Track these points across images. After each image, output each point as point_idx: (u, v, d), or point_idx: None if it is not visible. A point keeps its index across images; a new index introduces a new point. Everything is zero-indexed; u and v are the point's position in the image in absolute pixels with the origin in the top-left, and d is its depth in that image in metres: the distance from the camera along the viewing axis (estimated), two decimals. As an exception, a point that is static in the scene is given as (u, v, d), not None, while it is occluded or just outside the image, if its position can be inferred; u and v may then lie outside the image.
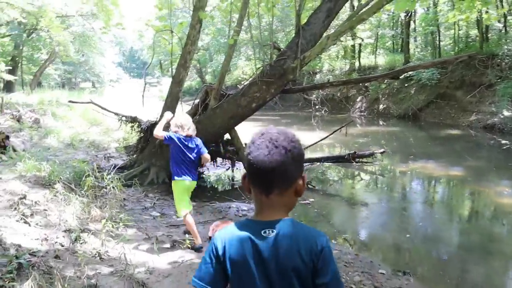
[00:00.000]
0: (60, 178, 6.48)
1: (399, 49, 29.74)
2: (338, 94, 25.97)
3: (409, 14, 24.20)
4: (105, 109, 9.35)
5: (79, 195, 5.90)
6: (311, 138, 17.11)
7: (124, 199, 7.16)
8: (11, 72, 28.58)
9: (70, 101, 9.42)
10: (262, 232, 1.43)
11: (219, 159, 9.72)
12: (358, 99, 25.36)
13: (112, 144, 10.72)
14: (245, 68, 31.77)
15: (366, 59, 28.77)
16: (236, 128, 8.69)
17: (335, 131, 9.30)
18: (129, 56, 52.50)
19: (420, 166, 10.80)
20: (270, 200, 1.45)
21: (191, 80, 42.89)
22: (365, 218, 7.19)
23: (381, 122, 21.92)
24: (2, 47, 26.46)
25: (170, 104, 9.02)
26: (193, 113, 8.68)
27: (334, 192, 8.86)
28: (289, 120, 23.38)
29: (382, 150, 10.22)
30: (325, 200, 8.23)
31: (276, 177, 1.43)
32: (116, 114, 8.83)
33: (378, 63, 27.06)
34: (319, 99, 25.62)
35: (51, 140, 10.28)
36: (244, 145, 9.13)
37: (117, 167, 8.77)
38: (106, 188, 6.28)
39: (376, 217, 7.21)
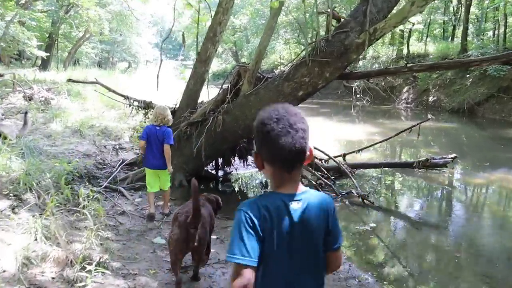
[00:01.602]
0: (33, 185, 4.52)
1: (450, 37, 26.60)
2: (383, 83, 23.23)
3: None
4: (112, 90, 7.39)
5: (49, 214, 3.91)
6: (353, 131, 14.78)
7: (124, 212, 5.17)
8: (48, 49, 27.31)
9: (69, 80, 7.56)
10: (291, 203, 1.49)
11: (250, 157, 7.58)
12: (404, 90, 22.58)
13: (126, 132, 8.77)
14: (282, 52, 29.31)
15: (414, 47, 25.79)
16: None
17: (405, 130, 6.96)
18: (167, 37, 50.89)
19: (501, 177, 8.28)
20: (292, 175, 1.52)
21: (227, 63, 40.71)
22: (441, 251, 4.91)
23: (429, 116, 19.11)
24: (38, 23, 25.00)
25: (193, 87, 6.92)
26: (220, 100, 6.55)
27: (396, 209, 6.58)
28: (327, 110, 20.94)
29: (453, 155, 7.77)
30: (387, 223, 5.97)
31: (299, 157, 1.49)
32: (127, 97, 6.87)
33: (429, 50, 24.08)
34: (360, 88, 23.04)
35: (56, 125, 8.41)
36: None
37: (124, 163, 6.79)
38: (83, 210, 4.24)
39: (453, 247, 4.93)
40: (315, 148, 7.38)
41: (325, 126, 14.72)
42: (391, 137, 7.60)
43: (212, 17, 6.76)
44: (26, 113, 7.56)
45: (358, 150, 7.54)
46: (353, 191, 6.58)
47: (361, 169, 7.83)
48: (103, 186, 6.03)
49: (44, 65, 25.65)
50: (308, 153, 1.52)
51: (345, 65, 5.63)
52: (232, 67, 6.79)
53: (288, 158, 1.47)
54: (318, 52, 5.53)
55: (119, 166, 6.65)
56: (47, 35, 27.29)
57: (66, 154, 6.69)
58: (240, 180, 7.65)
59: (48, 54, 23.11)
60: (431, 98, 20.88)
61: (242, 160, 7.60)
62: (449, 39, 26.06)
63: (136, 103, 6.91)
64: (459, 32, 26.80)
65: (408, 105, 21.66)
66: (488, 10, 22.36)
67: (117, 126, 8.89)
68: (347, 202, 6.44)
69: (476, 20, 25.30)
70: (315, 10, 5.48)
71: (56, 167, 5.24)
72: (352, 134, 13.05)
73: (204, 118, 6.51)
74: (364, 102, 22.53)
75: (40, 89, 10.90)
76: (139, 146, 5.47)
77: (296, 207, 1.49)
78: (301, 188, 1.55)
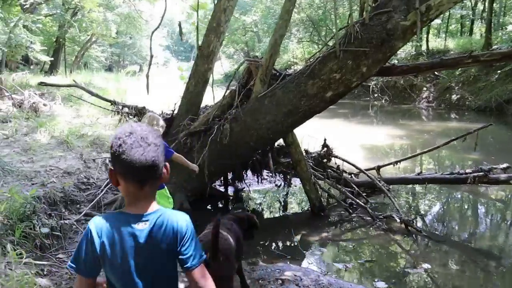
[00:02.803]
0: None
1: (467, 32, 24.96)
2: (402, 81, 21.67)
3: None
4: (95, 95, 6.08)
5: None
6: (376, 135, 13.18)
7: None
8: (55, 53, 26.34)
9: (41, 83, 6.35)
10: (137, 224, 1.46)
11: (265, 172, 6.22)
12: (425, 88, 20.96)
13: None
14: (296, 52, 27.83)
15: (432, 43, 24.17)
16: (296, 130, 5.17)
17: (460, 137, 5.48)
18: (177, 39, 49.62)
19: None
20: (144, 192, 1.48)
21: (239, 64, 39.21)
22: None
23: (453, 116, 17.55)
24: (44, 27, 24.00)
25: (194, 89, 5.59)
26: (226, 105, 5.21)
27: (451, 238, 5.13)
28: (345, 110, 19.41)
29: (504, 165, 6.25)
30: (444, 260, 4.52)
31: (151, 172, 1.46)
32: (114, 103, 5.56)
33: (449, 46, 22.45)
34: (378, 86, 21.54)
35: (41, 136, 7.15)
36: (305, 155, 5.57)
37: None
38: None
39: None
40: (343, 160, 5.98)
41: (344, 129, 13.29)
42: (439, 146, 6.13)
43: (215, 2, 5.43)
44: None
45: (396, 162, 6.12)
46: (393, 214, 5.18)
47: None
48: (82, 214, 4.75)
49: (52, 69, 24.68)
50: (163, 170, 1.53)
51: (387, 57, 4.23)
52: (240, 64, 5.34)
53: (138, 172, 1.45)
54: (352, 40, 4.14)
55: (105, 186, 5.35)
56: (54, 39, 26.35)
57: (41, 173, 5.41)
58: (254, 198, 6.29)
59: (52, 58, 22.07)
60: (454, 96, 19.22)
61: (256, 175, 6.24)
62: (466, 34, 24.49)
63: (126, 110, 5.62)
64: (477, 27, 25.28)
65: (430, 104, 20.04)
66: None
67: (111, 135, 7.59)
68: (385, 228, 5.04)
69: (494, 14, 23.65)
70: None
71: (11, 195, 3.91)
72: (375, 138, 11.57)
73: (208, 127, 5.17)
74: (383, 101, 21.02)
75: (31, 94, 9.67)
76: None
77: (141, 227, 1.47)
78: (153, 207, 1.52)
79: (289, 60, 27.19)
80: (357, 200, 5.45)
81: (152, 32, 6.16)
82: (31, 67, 26.66)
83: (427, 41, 22.96)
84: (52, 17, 24.99)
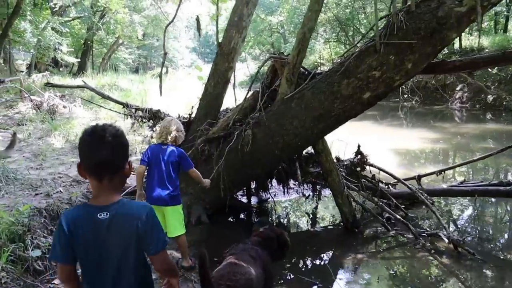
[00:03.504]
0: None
1: (501, 29, 23.55)
2: (433, 81, 20.56)
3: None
4: (107, 97, 5.59)
5: None
6: (409, 138, 12.27)
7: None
8: (84, 55, 26.47)
9: (47, 84, 5.94)
10: (98, 215, 1.57)
11: (292, 181, 5.57)
12: (458, 88, 19.78)
13: (139, 146, 6.97)
14: (322, 52, 26.96)
15: (465, 41, 22.90)
16: (327, 137, 4.51)
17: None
18: (204, 41, 49.39)
19: None
20: (104, 185, 1.59)
21: (265, 65, 38.54)
22: None
23: (489, 117, 16.40)
24: (73, 29, 24.11)
25: (214, 91, 5.00)
26: (249, 108, 4.61)
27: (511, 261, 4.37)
28: (373, 112, 18.46)
29: None
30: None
31: (106, 167, 1.58)
32: (126, 105, 5.05)
33: (483, 44, 21.18)
34: (408, 87, 20.44)
35: (55, 139, 6.74)
36: (336, 163, 4.90)
37: (125, 191, 4.96)
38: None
39: None
40: (379, 168, 5.28)
41: (374, 132, 12.49)
42: (496, 153, 5.34)
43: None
44: (14, 134, 6.00)
45: (440, 171, 5.37)
46: (440, 232, 4.45)
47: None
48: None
49: (80, 71, 24.78)
50: (124, 167, 1.63)
51: (437, 50, 3.53)
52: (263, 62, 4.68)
53: (95, 168, 1.58)
54: (395, 31, 3.46)
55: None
56: (82, 42, 26.49)
57: (48, 181, 4.94)
58: (280, 210, 5.66)
59: (79, 60, 22.08)
60: (490, 97, 18.05)
61: (281, 185, 5.61)
62: (500, 32, 23.11)
63: (140, 113, 5.10)
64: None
65: (463, 105, 18.89)
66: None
67: (128, 139, 7.12)
68: (429, 248, 4.32)
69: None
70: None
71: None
72: (407, 141, 10.75)
73: (227, 133, 4.59)
74: (413, 102, 19.97)
75: (51, 96, 9.34)
76: (136, 173, 3.61)
77: (103, 217, 1.56)
78: (114, 199, 1.61)
79: (316, 61, 26.36)
80: (397, 215, 4.75)
81: (166, 27, 5.64)
82: (60, 69, 26.87)
83: (460, 39, 21.73)
84: (81, 19, 25.10)
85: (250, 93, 4.71)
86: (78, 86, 6.72)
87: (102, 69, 25.22)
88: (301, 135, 4.08)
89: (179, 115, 5.30)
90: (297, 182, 5.16)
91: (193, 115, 5.14)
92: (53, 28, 19.90)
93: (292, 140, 4.12)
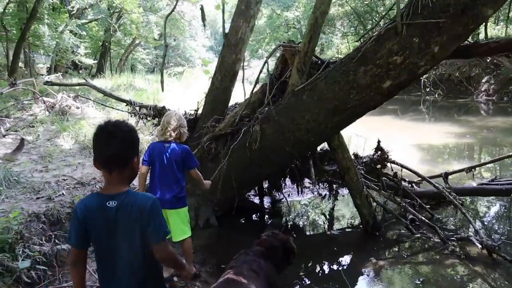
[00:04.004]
0: None
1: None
2: (457, 74, 19.77)
3: None
4: (108, 94, 5.29)
5: None
6: (432, 133, 11.49)
7: None
8: (102, 57, 26.55)
9: (47, 83, 5.70)
10: (107, 203, 1.66)
11: (307, 180, 5.16)
12: (484, 80, 18.90)
13: (146, 145, 6.68)
14: (340, 47, 26.28)
15: (492, 31, 21.95)
16: (343, 132, 4.10)
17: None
18: (220, 39, 49.28)
19: None
20: (113, 177, 1.69)
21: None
22: None
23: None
24: (90, 31, 24.17)
25: (221, 85, 4.65)
26: (257, 102, 4.23)
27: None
28: (394, 106, 17.84)
29: None
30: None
31: (115, 161, 1.68)
32: (130, 103, 4.73)
33: (510, 33, 20.23)
34: (431, 80, 19.74)
35: (63, 140, 6.52)
36: (354, 160, 4.49)
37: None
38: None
39: None
40: (402, 166, 4.83)
41: (395, 127, 11.94)
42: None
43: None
44: (22, 139, 5.81)
45: (469, 169, 4.88)
46: (471, 237, 3.99)
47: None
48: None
49: (99, 72, 24.87)
50: (133, 160, 1.72)
51: (469, 30, 3.07)
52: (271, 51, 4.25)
53: (105, 161, 1.68)
54: (419, 10, 3.02)
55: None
56: (100, 43, 26.58)
57: (51, 184, 4.68)
58: (294, 210, 5.26)
59: (95, 61, 22.12)
60: (518, 88, 17.17)
61: (295, 184, 5.21)
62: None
63: (144, 110, 4.78)
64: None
65: (490, 98, 18.00)
66: None
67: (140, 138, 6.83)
68: (459, 254, 3.86)
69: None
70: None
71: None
72: (431, 136, 10.16)
73: (235, 129, 4.22)
74: (436, 96, 19.23)
75: (64, 97, 9.17)
76: (139, 174, 3.21)
77: (111, 205, 1.66)
78: (123, 189, 1.70)
79: (334, 55, 25.72)
80: (422, 217, 4.30)
81: (166, 17, 5.29)
82: (80, 71, 27.03)
83: (486, 28, 20.80)
84: (98, 21, 25.16)
85: (258, 86, 4.33)
86: (78, 84, 6.47)
87: (119, 69, 25.23)
88: (314, 130, 3.68)
89: (185, 111, 4.96)
90: (312, 181, 4.74)
91: (200, 112, 4.79)
92: (71, 31, 19.96)
93: (304, 136, 3.72)
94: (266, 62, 4.01)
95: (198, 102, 4.74)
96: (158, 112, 4.80)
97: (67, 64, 23.98)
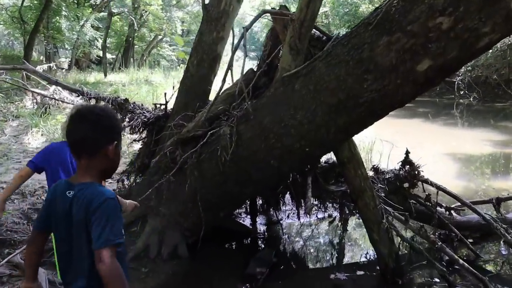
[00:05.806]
0: None
1: None
2: (495, 76, 17.96)
3: None
4: (55, 82, 4.19)
5: None
6: (468, 140, 9.79)
7: None
8: (125, 52, 26.08)
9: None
10: (67, 192, 1.49)
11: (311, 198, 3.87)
12: (525, 83, 17.03)
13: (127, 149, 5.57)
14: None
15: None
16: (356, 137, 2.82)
17: None
18: (249, 37, 48.12)
19: None
20: (81, 164, 1.50)
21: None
22: None
23: None
24: (113, 25, 23.63)
25: (196, 71, 3.45)
26: (236, 94, 3.00)
27: None
28: (425, 109, 16.23)
29: None
30: None
31: (81, 146, 1.48)
32: (82, 93, 3.61)
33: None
34: (465, 82, 17.99)
35: (31, 138, 5.49)
36: (373, 176, 3.19)
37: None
38: None
39: None
40: (438, 187, 3.49)
41: (426, 132, 10.43)
42: None
43: None
44: None
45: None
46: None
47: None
48: (5, 261, 2.85)
49: (121, 67, 24.36)
50: (105, 148, 1.48)
51: None
52: (255, 18, 2.93)
53: (72, 145, 1.51)
54: None
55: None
56: (124, 38, 26.13)
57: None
58: (293, 237, 3.99)
59: (113, 56, 21.55)
60: None
61: (295, 201, 3.94)
62: None
63: (102, 103, 3.67)
64: None
65: (532, 102, 16.20)
66: None
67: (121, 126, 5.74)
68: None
69: None
70: None
71: None
72: (468, 144, 8.63)
73: (205, 131, 3.01)
74: (471, 99, 17.44)
75: (57, 90, 8.19)
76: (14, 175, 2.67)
77: (69, 196, 1.49)
78: (85, 179, 1.49)
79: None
80: (464, 262, 2.96)
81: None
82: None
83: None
84: (121, 15, 24.64)
85: (242, 77, 3.10)
86: (14, 68, 5.40)
87: (141, 64, 24.61)
88: (310, 135, 2.42)
89: (155, 105, 3.79)
90: (306, 208, 3.43)
91: (172, 107, 3.61)
92: (92, 26, 19.43)
93: (295, 144, 2.47)
94: (243, 36, 2.76)
95: (165, 93, 3.55)
96: (119, 106, 3.65)
97: (90, 58, 23.54)
